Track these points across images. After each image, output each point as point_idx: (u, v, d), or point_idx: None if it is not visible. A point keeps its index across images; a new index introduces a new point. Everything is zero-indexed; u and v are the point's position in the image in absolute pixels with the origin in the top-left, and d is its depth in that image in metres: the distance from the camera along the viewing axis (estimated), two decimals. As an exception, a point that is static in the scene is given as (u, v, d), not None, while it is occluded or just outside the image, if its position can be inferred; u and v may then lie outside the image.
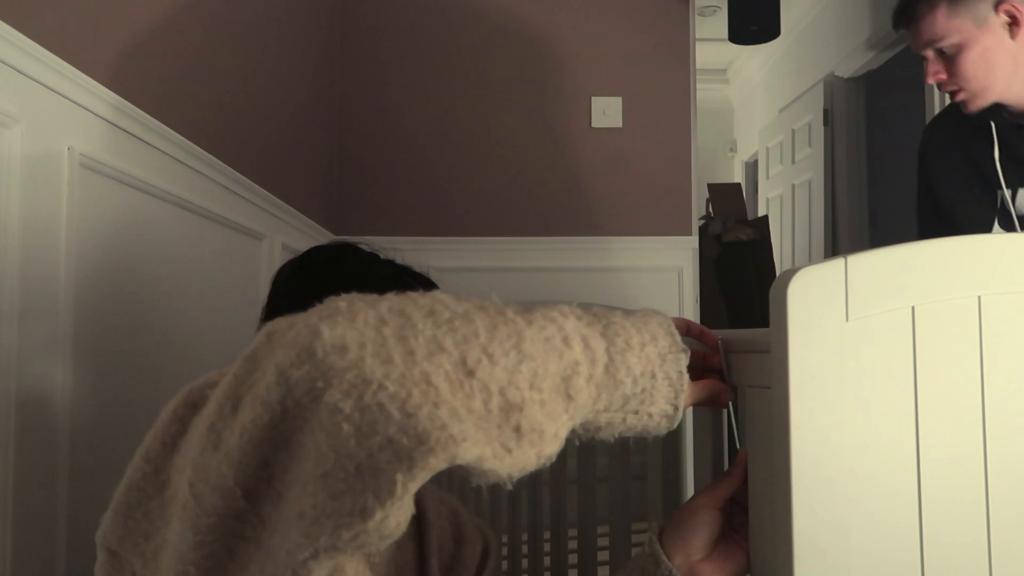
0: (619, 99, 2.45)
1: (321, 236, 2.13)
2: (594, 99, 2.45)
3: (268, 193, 1.62)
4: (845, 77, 3.69)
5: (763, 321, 0.58)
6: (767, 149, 4.47)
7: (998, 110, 1.43)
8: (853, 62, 3.57)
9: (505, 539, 1.52)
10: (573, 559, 1.60)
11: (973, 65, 1.34)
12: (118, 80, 1.01)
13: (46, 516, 0.84)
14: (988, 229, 1.51)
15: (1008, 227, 1.49)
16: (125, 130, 1.00)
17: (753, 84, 5.04)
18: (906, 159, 2.83)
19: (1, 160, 0.77)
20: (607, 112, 2.45)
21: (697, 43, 2.54)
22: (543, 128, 2.44)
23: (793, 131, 4.08)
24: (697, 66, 2.53)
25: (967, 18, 1.31)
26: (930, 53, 1.38)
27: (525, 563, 1.45)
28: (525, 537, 1.51)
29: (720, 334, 0.69)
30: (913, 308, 0.58)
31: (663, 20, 2.48)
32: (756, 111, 4.96)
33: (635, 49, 2.47)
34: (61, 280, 0.86)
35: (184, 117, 1.22)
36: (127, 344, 1.03)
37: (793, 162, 4.09)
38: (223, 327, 1.40)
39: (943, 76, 1.38)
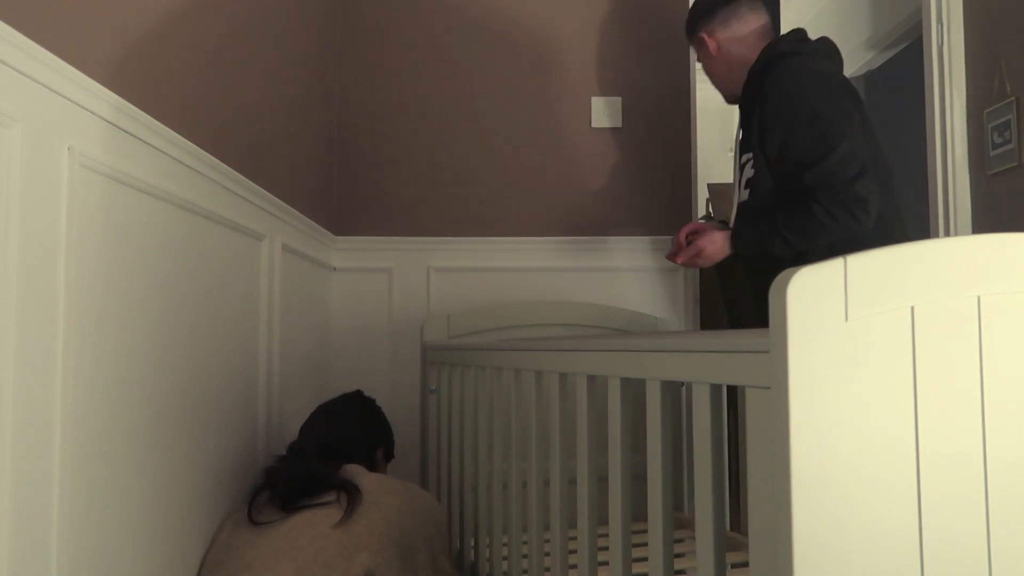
0: (619, 99, 2.45)
1: (321, 236, 2.13)
2: (594, 99, 2.45)
3: (268, 193, 1.62)
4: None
5: (763, 321, 0.58)
6: (767, 149, 4.46)
7: None
8: (853, 62, 3.57)
9: (505, 539, 1.52)
10: (573, 559, 1.60)
11: None
12: (118, 80, 1.01)
13: (42, 517, 0.84)
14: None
15: None
16: (125, 130, 1.01)
17: (753, 84, 5.02)
18: (906, 159, 2.82)
19: (1, 160, 0.77)
20: (607, 112, 2.45)
21: (697, 43, 2.53)
22: (543, 128, 2.44)
23: (793, 131, 4.06)
24: (697, 66, 2.52)
25: None
26: None
27: (525, 563, 1.45)
28: (525, 537, 1.51)
29: (720, 334, 0.69)
30: (912, 308, 0.58)
31: (663, 20, 2.48)
32: (756, 111, 4.95)
33: (635, 49, 2.47)
34: (61, 280, 0.86)
35: (184, 117, 1.22)
36: (127, 344, 1.03)
37: (793, 162, 4.07)
38: (223, 327, 1.40)
39: None
